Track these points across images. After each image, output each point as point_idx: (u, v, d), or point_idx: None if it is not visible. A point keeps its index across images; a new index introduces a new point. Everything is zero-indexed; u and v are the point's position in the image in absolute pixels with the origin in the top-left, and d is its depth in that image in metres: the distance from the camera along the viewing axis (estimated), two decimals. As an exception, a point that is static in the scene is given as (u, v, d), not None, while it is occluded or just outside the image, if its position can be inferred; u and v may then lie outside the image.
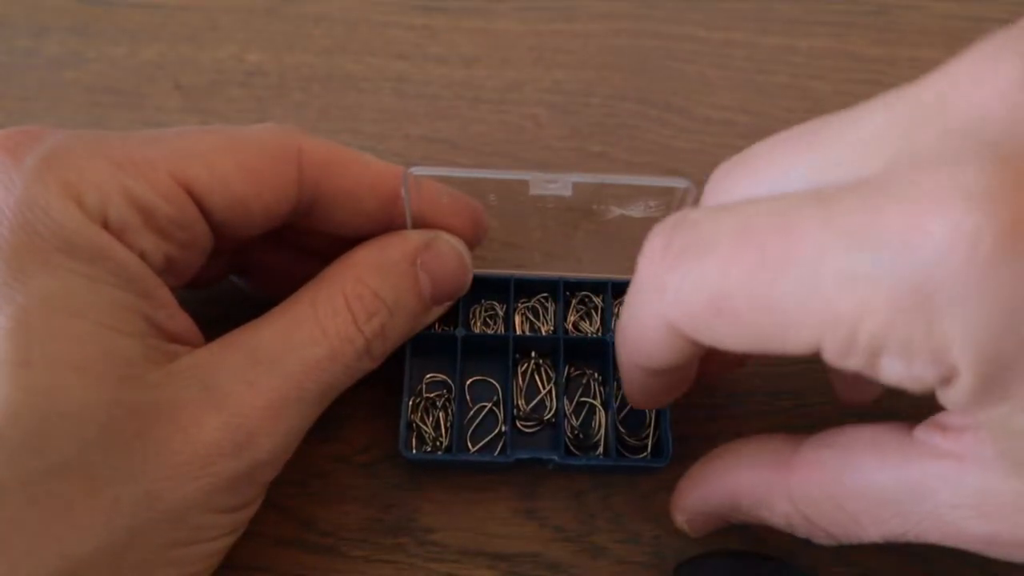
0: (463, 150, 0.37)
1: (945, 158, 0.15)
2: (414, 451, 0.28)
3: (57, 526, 0.20)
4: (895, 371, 0.17)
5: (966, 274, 0.15)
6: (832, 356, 0.18)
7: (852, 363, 0.17)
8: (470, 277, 0.29)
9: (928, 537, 0.21)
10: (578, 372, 0.31)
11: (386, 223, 0.28)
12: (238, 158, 0.24)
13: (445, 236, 0.28)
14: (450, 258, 0.28)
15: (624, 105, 0.39)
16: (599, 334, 0.31)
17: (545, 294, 0.32)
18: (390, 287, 0.26)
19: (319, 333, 0.25)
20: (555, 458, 0.28)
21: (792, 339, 0.18)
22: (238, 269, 0.30)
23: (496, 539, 0.28)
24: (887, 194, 0.16)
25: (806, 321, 0.17)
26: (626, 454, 0.29)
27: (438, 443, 0.29)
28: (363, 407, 0.30)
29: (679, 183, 0.26)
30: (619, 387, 0.29)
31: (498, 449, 0.29)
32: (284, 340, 0.24)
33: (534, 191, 0.26)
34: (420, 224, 0.28)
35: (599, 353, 0.31)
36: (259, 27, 0.41)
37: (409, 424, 0.29)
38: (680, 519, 0.26)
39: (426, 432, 0.29)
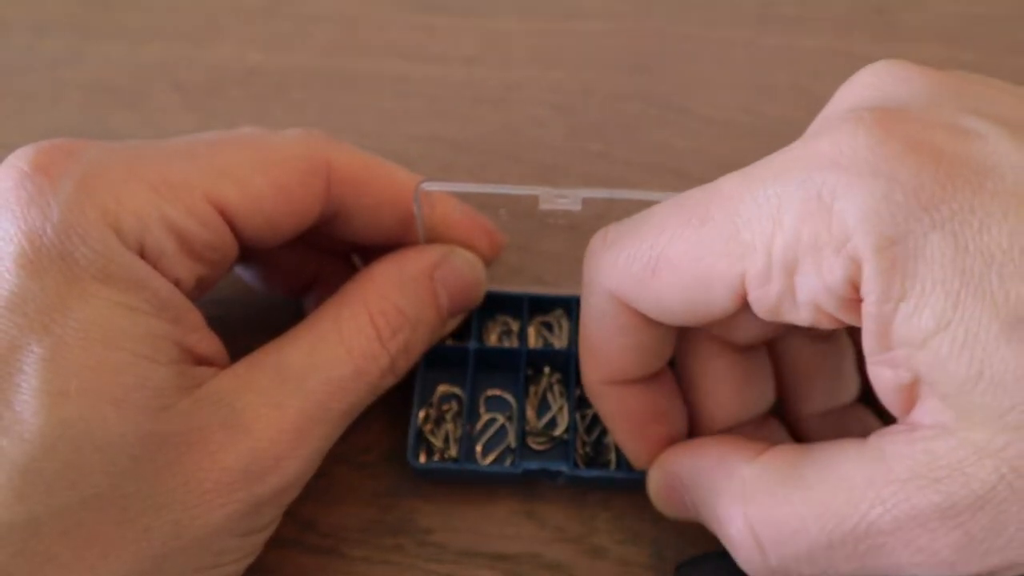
0: (463, 150, 0.37)
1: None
2: (422, 461, 0.28)
3: (88, 557, 0.20)
4: (809, 286, 0.19)
5: (851, 170, 0.18)
6: (754, 290, 0.20)
7: (772, 291, 0.20)
8: (484, 290, 0.29)
9: (885, 530, 0.19)
10: None
11: (401, 233, 0.28)
12: (271, 176, 0.24)
13: (460, 250, 0.28)
14: (466, 272, 0.28)
15: (624, 105, 0.39)
16: None
17: (560, 310, 0.32)
18: (412, 302, 0.26)
19: (344, 352, 0.24)
20: (564, 469, 0.27)
21: (720, 285, 0.20)
22: (243, 262, 0.30)
23: (496, 539, 0.28)
24: (790, 148, 0.20)
25: (731, 258, 0.20)
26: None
27: (446, 454, 0.29)
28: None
29: None
30: None
31: (507, 462, 0.29)
32: (309, 359, 0.24)
33: (544, 206, 0.26)
34: (433, 238, 0.28)
35: None
36: (259, 27, 0.41)
37: (419, 434, 0.29)
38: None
39: (435, 443, 0.29)
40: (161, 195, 0.22)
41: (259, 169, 0.24)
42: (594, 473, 0.28)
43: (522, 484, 0.29)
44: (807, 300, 0.19)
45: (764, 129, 0.38)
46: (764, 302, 0.20)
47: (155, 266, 0.22)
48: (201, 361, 0.23)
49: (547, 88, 0.39)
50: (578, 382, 0.29)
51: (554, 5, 0.43)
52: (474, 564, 0.28)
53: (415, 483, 0.29)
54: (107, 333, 0.21)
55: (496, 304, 0.31)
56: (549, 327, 0.32)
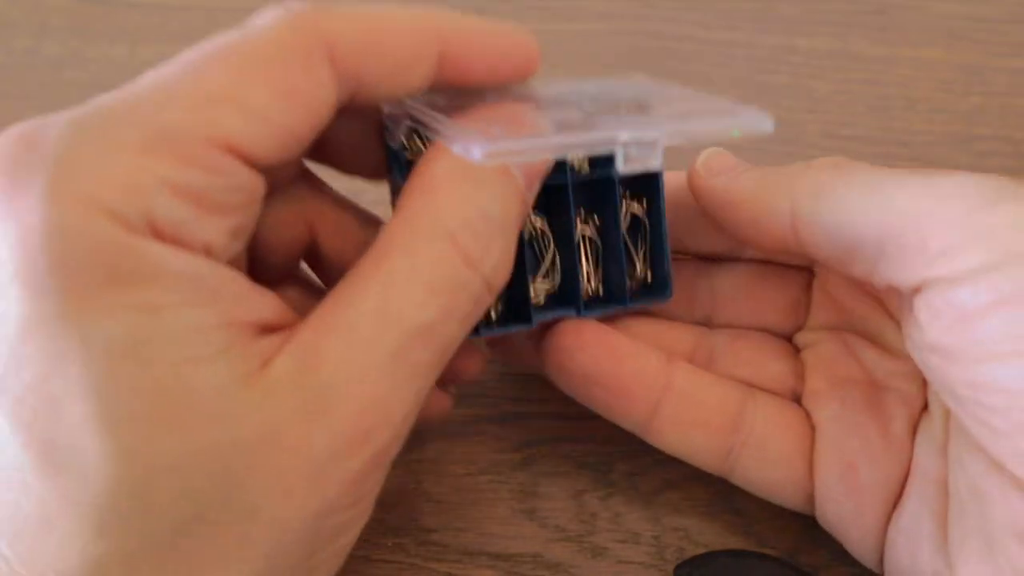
0: (463, 150, 0.37)
1: None
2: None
3: None
4: None
5: None
6: None
7: None
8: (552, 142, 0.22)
9: None
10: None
11: (432, 77, 0.22)
12: (267, 84, 0.20)
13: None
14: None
15: (624, 105, 0.39)
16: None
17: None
18: (494, 197, 0.21)
19: (422, 292, 0.20)
20: (574, 312, 0.26)
21: None
22: (307, 254, 0.27)
23: (496, 539, 0.28)
24: None
25: None
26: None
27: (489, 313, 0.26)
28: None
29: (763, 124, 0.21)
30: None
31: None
32: (382, 309, 0.20)
33: (623, 169, 0.20)
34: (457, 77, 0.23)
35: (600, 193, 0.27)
36: (259, 27, 0.41)
37: None
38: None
39: None
40: (153, 155, 0.19)
41: (252, 81, 0.20)
42: (599, 311, 0.26)
43: (521, 478, 0.29)
44: None
45: (764, 129, 0.38)
46: None
47: (176, 239, 0.19)
48: (261, 330, 0.20)
49: (547, 88, 0.39)
50: (576, 216, 0.26)
51: (554, 5, 0.43)
52: (474, 564, 0.28)
53: (415, 482, 0.29)
54: (135, 348, 0.18)
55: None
56: None
